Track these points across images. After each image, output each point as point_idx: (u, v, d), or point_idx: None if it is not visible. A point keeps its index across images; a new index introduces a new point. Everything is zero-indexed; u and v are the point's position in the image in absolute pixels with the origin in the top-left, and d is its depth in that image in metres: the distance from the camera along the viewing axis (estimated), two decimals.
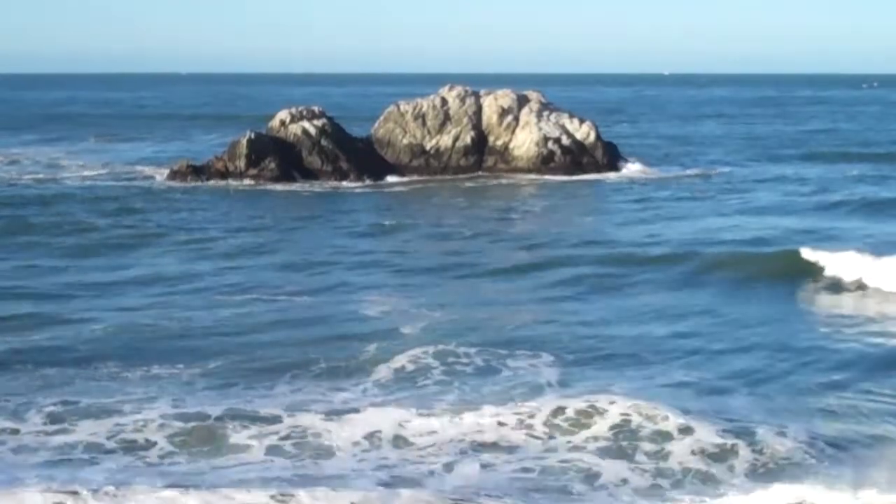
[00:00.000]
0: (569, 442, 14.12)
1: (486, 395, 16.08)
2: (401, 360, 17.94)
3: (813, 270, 25.22)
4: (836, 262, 24.79)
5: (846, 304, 23.12)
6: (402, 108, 51.21)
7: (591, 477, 13.02)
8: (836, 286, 24.20)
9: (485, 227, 34.28)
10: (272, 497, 11.82)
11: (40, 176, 48.46)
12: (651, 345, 19.30)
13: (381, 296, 23.59)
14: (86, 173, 49.57)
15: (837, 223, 33.79)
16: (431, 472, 13.11)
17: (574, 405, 15.12)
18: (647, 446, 13.92)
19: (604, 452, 13.77)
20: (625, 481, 12.89)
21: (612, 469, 13.21)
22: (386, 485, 12.57)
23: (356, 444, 14.07)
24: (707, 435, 14.05)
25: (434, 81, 60.86)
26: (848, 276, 24.18)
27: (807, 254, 25.79)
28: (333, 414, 15.01)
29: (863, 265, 24.28)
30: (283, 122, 48.97)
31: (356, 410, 15.17)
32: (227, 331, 20.36)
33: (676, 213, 36.49)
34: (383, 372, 17.46)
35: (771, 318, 21.67)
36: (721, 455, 13.56)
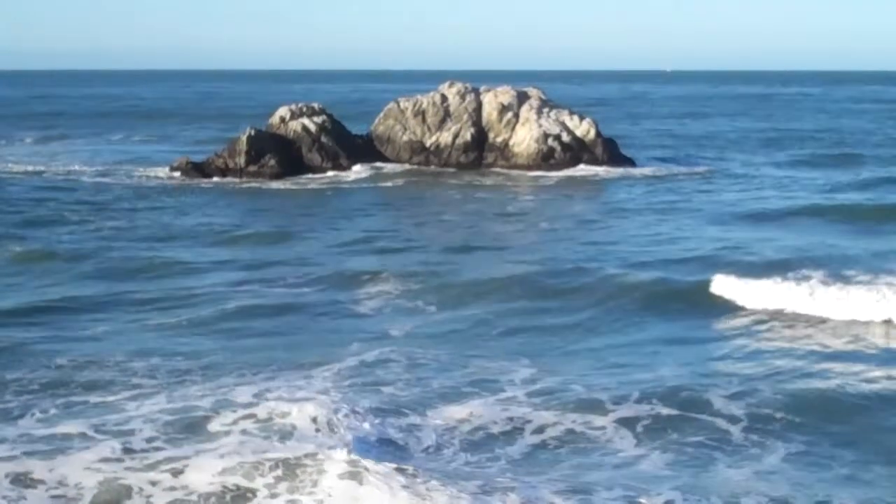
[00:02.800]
0: None
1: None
2: (371, 356, 18.25)
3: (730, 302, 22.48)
4: (755, 291, 22.50)
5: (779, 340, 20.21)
6: (401, 104, 51.22)
7: None
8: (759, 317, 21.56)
9: (479, 228, 34.03)
10: None
11: (29, 168, 48.75)
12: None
13: (375, 296, 23.48)
14: (84, 169, 49.55)
15: (829, 238, 30.75)
16: None
17: None
18: None
19: None
20: None
21: None
22: None
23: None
24: None
25: (434, 78, 60.69)
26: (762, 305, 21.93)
27: (722, 284, 23.06)
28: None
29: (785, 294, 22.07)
30: (282, 119, 49.02)
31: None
32: (225, 329, 20.45)
33: (667, 218, 35.38)
34: (353, 366, 17.69)
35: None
36: None
